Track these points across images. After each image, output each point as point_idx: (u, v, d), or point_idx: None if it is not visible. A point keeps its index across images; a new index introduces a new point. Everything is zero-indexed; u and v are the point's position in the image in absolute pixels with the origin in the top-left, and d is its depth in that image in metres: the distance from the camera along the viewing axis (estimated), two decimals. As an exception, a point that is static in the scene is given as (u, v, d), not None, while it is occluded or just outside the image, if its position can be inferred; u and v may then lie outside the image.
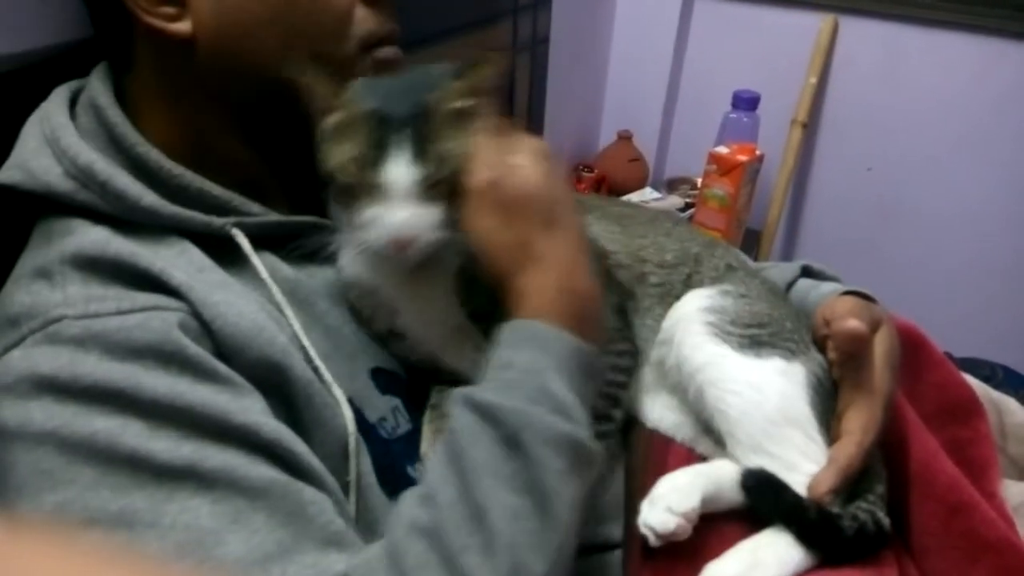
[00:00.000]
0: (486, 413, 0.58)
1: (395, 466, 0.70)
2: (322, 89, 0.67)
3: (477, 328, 0.71)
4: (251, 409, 0.60)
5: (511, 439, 0.57)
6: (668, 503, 0.65)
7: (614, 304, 0.75)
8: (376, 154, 0.64)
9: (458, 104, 0.66)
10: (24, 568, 0.24)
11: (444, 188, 0.64)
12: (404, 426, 0.71)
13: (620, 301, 0.75)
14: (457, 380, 0.73)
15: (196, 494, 0.56)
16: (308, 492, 0.59)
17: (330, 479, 0.63)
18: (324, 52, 0.69)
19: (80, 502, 0.55)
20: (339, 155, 0.65)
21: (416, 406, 0.73)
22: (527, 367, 0.60)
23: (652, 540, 0.65)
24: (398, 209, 0.64)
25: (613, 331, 0.72)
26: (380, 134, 0.64)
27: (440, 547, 0.55)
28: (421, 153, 0.64)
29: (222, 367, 0.61)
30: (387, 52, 0.74)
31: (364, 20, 0.71)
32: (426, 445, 0.71)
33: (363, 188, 0.65)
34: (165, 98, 0.71)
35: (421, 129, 0.64)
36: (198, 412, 0.58)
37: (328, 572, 0.56)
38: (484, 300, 0.69)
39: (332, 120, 0.67)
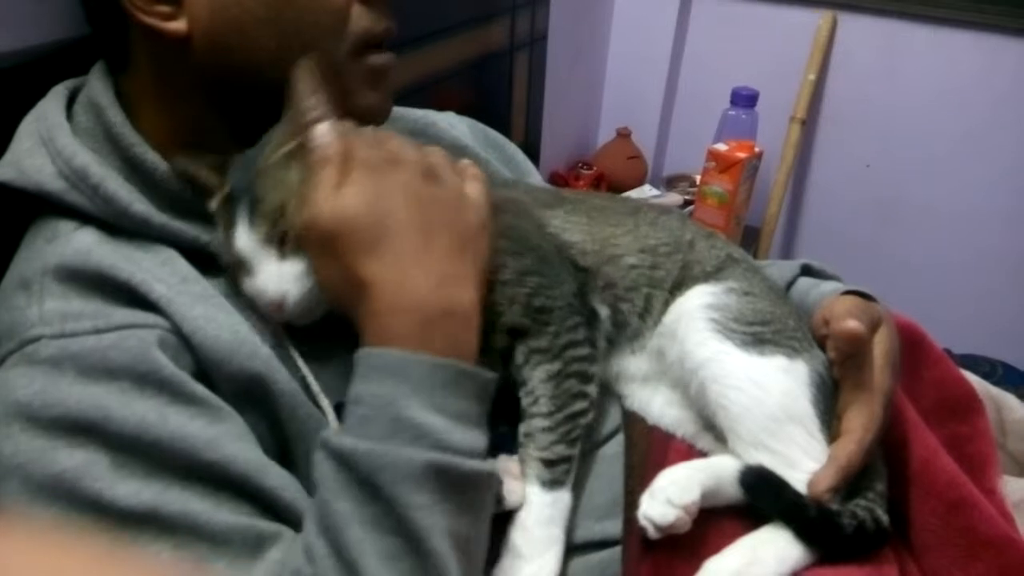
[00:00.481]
0: (340, 459, 0.57)
1: None
2: (206, 177, 0.67)
3: None
4: (225, 436, 0.60)
5: (367, 482, 0.56)
6: (668, 495, 0.65)
7: (572, 290, 0.73)
8: (230, 232, 0.65)
9: (281, 151, 0.65)
10: (19, 568, 0.24)
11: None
12: None
13: (579, 284, 0.74)
14: None
15: (158, 539, 0.56)
16: (271, 535, 0.59)
17: (304, 506, 0.61)
18: (319, 52, 0.68)
19: None
20: (218, 242, 0.67)
21: None
22: (379, 399, 0.58)
23: (652, 532, 0.65)
24: (255, 275, 0.64)
25: (565, 310, 0.71)
26: (231, 212, 0.65)
27: None
28: (253, 214, 0.64)
29: (200, 388, 0.61)
30: (380, 59, 0.73)
31: (360, 17, 0.70)
32: None
33: (236, 267, 0.65)
34: (162, 97, 0.71)
35: (255, 193, 0.64)
36: (166, 447, 0.58)
37: None
38: None
39: (212, 208, 0.67)
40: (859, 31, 2.03)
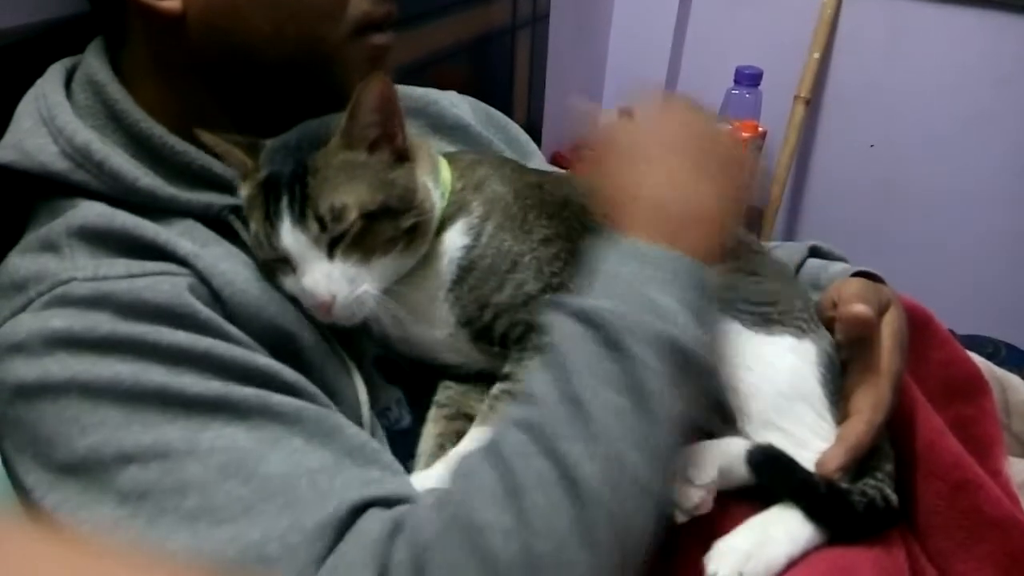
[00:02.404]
0: (588, 318, 0.58)
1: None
2: (236, 158, 0.66)
3: (467, 332, 0.70)
4: (268, 359, 0.61)
5: (611, 340, 0.57)
6: (689, 476, 0.64)
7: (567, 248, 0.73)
8: (267, 223, 0.64)
9: (341, 157, 0.64)
10: (26, 569, 0.23)
11: (361, 240, 0.63)
12: (405, 419, 0.71)
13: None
14: (461, 375, 0.73)
15: (230, 423, 0.56)
16: (342, 418, 0.60)
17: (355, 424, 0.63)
18: (316, 35, 0.67)
19: (113, 442, 0.55)
20: (252, 233, 0.66)
21: (417, 400, 0.72)
22: (629, 278, 0.61)
23: (679, 517, 0.64)
24: (303, 274, 0.63)
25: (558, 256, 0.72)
26: (267, 201, 0.64)
27: (541, 437, 0.54)
28: (303, 212, 0.63)
29: (234, 330, 0.61)
30: (380, 39, 0.72)
31: (360, 1, 0.70)
32: (424, 445, 0.69)
33: (276, 262, 0.65)
34: (158, 75, 0.70)
35: (305, 190, 0.63)
36: (219, 355, 0.58)
37: (378, 487, 0.56)
38: (475, 308, 0.69)
39: (244, 194, 0.67)
40: (864, 9, 2.01)
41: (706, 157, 0.68)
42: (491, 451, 0.56)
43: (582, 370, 0.56)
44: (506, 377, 0.68)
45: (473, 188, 0.72)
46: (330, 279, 0.63)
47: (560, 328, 0.59)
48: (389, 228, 0.64)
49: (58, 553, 0.25)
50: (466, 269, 0.69)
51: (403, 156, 0.68)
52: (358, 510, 0.54)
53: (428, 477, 0.63)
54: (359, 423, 0.66)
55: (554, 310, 0.61)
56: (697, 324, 0.60)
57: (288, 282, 0.65)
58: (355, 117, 0.64)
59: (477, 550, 0.51)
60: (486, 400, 0.67)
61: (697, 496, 0.64)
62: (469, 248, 0.69)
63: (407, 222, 0.65)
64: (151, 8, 0.66)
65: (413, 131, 0.78)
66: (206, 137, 0.67)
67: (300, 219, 0.63)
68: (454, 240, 0.69)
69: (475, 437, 0.65)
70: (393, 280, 0.66)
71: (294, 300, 0.66)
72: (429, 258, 0.69)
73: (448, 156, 0.76)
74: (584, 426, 0.54)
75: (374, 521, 0.54)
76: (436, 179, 0.70)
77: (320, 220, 0.62)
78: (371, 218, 0.63)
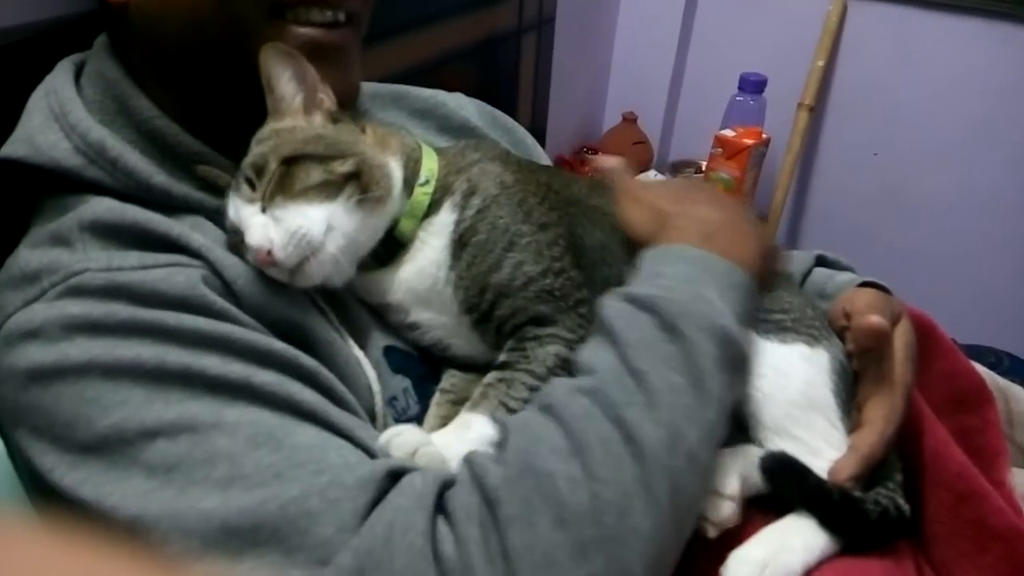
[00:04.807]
0: (643, 303, 0.61)
1: None
2: (224, 179, 0.69)
3: (471, 319, 0.71)
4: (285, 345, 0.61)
5: (668, 325, 0.59)
6: (716, 487, 0.64)
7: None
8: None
9: (271, 126, 0.68)
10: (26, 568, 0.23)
11: (289, 184, 0.64)
12: (413, 408, 0.71)
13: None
14: (469, 364, 0.73)
15: (251, 407, 0.56)
16: (355, 419, 0.61)
17: (366, 419, 0.64)
18: (232, 13, 0.66)
19: (135, 419, 0.55)
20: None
21: (425, 389, 0.72)
22: (678, 276, 0.63)
23: (710, 532, 0.63)
24: (245, 233, 0.64)
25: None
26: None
27: (604, 402, 0.56)
28: (238, 183, 0.65)
29: (250, 319, 0.61)
30: (310, 32, 0.69)
31: None
32: (428, 428, 0.69)
33: (241, 244, 0.65)
34: (137, 68, 0.70)
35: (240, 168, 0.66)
36: (237, 339, 0.58)
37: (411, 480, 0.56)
38: (476, 291, 0.69)
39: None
40: (869, 17, 2.01)
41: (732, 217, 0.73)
42: (550, 413, 0.56)
43: (640, 346, 0.59)
44: (501, 366, 0.68)
45: (457, 171, 0.73)
46: (265, 227, 0.63)
47: (614, 309, 0.62)
48: (317, 171, 0.64)
49: (63, 553, 0.25)
50: (460, 244, 0.69)
51: (337, 120, 0.70)
52: (396, 474, 0.55)
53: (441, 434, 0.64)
54: (371, 413, 0.66)
55: (610, 298, 0.63)
56: (741, 326, 0.63)
57: (245, 250, 0.64)
58: (271, 90, 0.67)
59: (547, 495, 0.52)
60: (480, 387, 0.67)
61: (728, 508, 0.64)
62: (457, 223, 0.70)
63: (343, 167, 0.65)
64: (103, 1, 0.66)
65: (390, 124, 0.81)
66: (203, 171, 0.68)
67: (236, 190, 0.65)
68: (444, 219, 0.70)
69: (463, 422, 0.64)
70: (359, 239, 0.66)
71: (304, 293, 0.66)
72: (426, 242, 0.70)
73: (440, 149, 0.77)
74: (645, 395, 0.56)
75: (417, 478, 0.54)
76: (404, 162, 0.71)
77: (248, 181, 0.64)
78: (291, 162, 0.64)
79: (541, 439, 0.55)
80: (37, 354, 0.57)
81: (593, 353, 0.61)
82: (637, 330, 0.60)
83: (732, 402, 0.62)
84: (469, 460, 0.56)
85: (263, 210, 0.63)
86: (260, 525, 0.51)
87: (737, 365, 0.62)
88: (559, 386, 0.60)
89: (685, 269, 0.64)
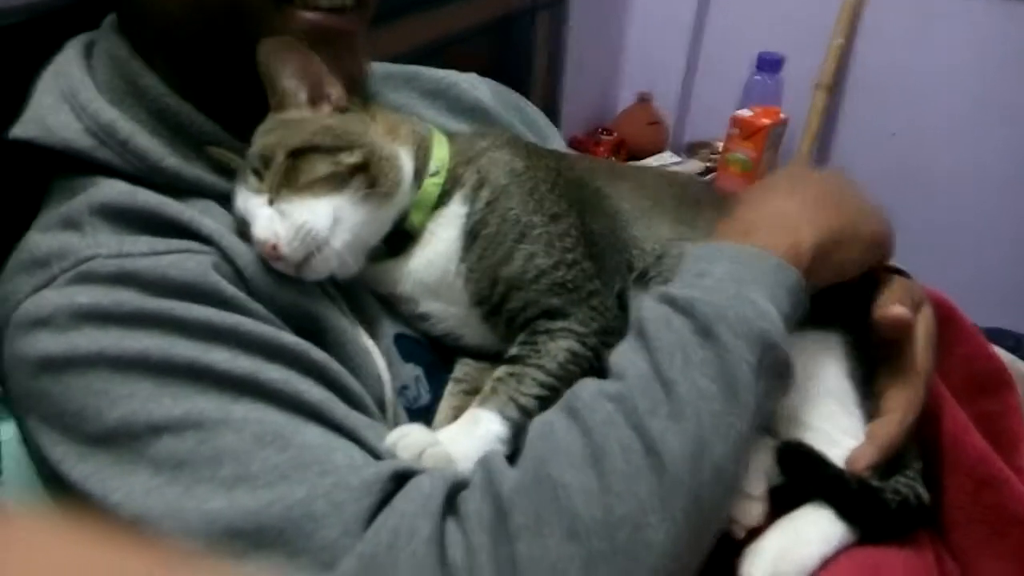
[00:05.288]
0: (680, 305, 0.59)
1: None
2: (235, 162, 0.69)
3: (481, 311, 0.70)
4: (293, 336, 0.61)
5: (704, 329, 0.57)
6: (744, 489, 0.63)
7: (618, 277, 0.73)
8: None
9: (277, 117, 0.67)
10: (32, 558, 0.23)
11: (295, 177, 0.63)
12: (425, 397, 0.70)
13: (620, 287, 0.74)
14: (482, 354, 0.72)
15: (258, 403, 0.56)
16: (363, 418, 0.60)
17: (376, 411, 0.63)
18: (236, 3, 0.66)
19: (143, 413, 0.55)
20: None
21: (437, 377, 0.72)
22: (723, 276, 0.61)
23: (738, 532, 0.63)
24: (252, 226, 0.64)
25: (606, 295, 0.71)
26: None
27: (628, 410, 0.55)
28: (246, 175, 0.65)
29: (260, 308, 0.61)
30: (328, 20, 0.68)
31: None
32: (440, 418, 0.69)
33: (247, 235, 0.65)
34: (145, 48, 0.69)
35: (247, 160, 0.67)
36: (246, 331, 0.58)
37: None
38: (487, 283, 0.68)
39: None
40: (889, -5, 1.97)
41: (840, 195, 0.73)
42: (574, 417, 0.56)
43: (674, 352, 0.57)
44: (512, 360, 0.67)
45: (466, 161, 0.72)
46: (271, 220, 0.63)
47: (651, 311, 0.60)
48: (324, 163, 0.64)
49: (67, 540, 0.24)
50: (471, 236, 0.69)
51: (346, 109, 0.69)
52: (402, 476, 0.54)
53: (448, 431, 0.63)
54: (381, 402, 0.65)
55: (646, 296, 0.61)
56: (786, 327, 0.60)
57: (254, 248, 0.64)
58: (272, 87, 0.66)
59: (559, 507, 0.51)
60: (489, 382, 0.67)
61: (757, 510, 0.63)
62: (468, 215, 0.69)
63: (350, 158, 0.65)
64: None
65: (402, 106, 0.81)
66: (216, 152, 0.68)
67: (243, 180, 0.64)
68: (454, 211, 0.70)
69: (472, 418, 0.64)
70: (366, 232, 0.66)
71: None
72: (436, 233, 0.70)
73: (452, 136, 0.76)
74: (672, 405, 0.54)
75: (423, 482, 0.54)
76: (414, 152, 0.70)
77: (255, 171, 0.63)
78: (298, 155, 0.64)
79: (560, 446, 0.54)
80: (47, 343, 0.57)
81: (624, 356, 0.59)
82: (672, 333, 0.58)
83: (770, 410, 0.61)
84: (485, 463, 0.56)
85: (270, 202, 0.63)
86: (265, 527, 0.51)
87: (779, 371, 0.60)
88: (586, 388, 0.58)
89: (731, 268, 0.62)
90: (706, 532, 0.56)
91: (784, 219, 0.67)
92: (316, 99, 0.68)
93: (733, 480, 0.57)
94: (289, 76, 0.66)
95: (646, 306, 0.61)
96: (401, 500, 0.53)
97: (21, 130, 0.66)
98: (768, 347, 0.58)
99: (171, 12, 0.67)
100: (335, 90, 0.68)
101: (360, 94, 0.75)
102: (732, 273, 0.61)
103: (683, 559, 0.54)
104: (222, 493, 0.53)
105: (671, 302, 0.60)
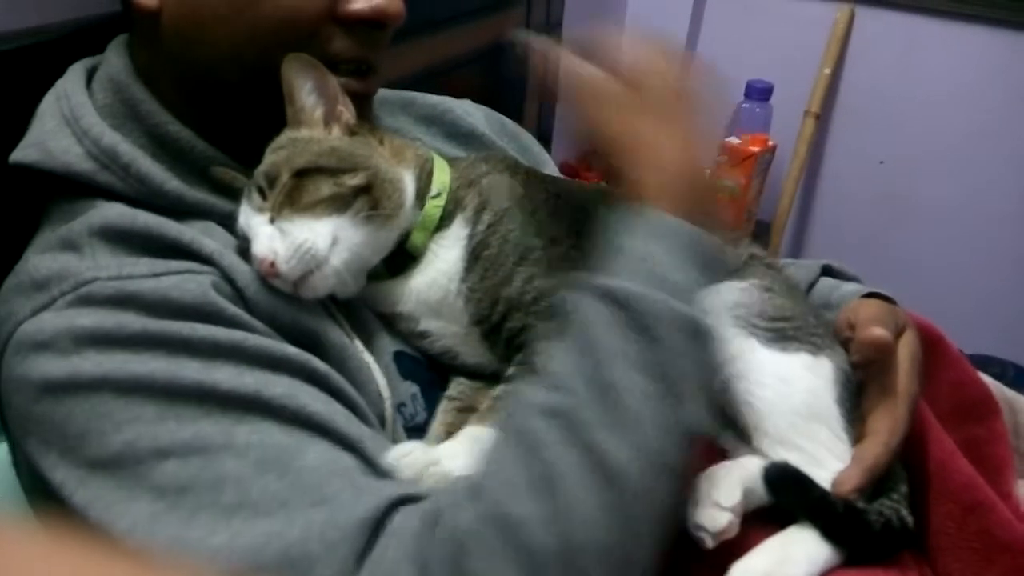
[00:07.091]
0: (612, 297, 0.58)
1: None
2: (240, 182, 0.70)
3: (479, 331, 0.71)
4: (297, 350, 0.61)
5: (639, 324, 0.56)
6: (715, 499, 0.63)
7: None
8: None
9: (287, 136, 0.68)
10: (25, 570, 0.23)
11: (298, 197, 0.64)
12: (421, 414, 0.71)
13: None
14: (477, 373, 0.73)
15: (265, 420, 0.56)
16: (365, 429, 0.60)
17: (376, 424, 0.64)
18: (276, 64, 0.67)
19: (148, 437, 0.55)
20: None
21: (433, 395, 0.72)
22: (641, 253, 0.60)
23: (708, 542, 0.62)
24: (252, 243, 0.64)
25: None
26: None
27: (572, 425, 0.54)
28: (249, 192, 0.66)
29: (260, 325, 0.62)
30: (353, 86, 0.71)
31: (333, 39, 0.69)
32: (433, 435, 0.69)
33: (248, 252, 0.65)
34: (153, 72, 0.70)
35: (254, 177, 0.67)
36: (250, 346, 0.58)
37: (409, 485, 0.57)
38: (487, 303, 0.69)
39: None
40: (876, 25, 2.01)
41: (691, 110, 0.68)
42: (520, 440, 0.55)
43: (613, 354, 0.56)
44: (510, 379, 0.68)
45: (468, 184, 0.73)
46: (271, 238, 0.63)
47: (585, 308, 0.58)
48: (327, 184, 0.65)
49: (61, 553, 0.25)
50: (473, 257, 0.70)
51: (355, 132, 0.70)
52: (392, 506, 0.55)
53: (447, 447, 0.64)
54: (381, 418, 0.66)
55: (578, 290, 0.60)
56: (700, 295, 0.60)
57: (253, 265, 0.64)
58: (291, 101, 0.67)
59: (514, 544, 0.51)
60: (486, 400, 0.68)
61: (726, 519, 0.63)
62: (470, 236, 0.70)
63: (353, 180, 0.66)
64: (132, 2, 0.67)
65: (398, 130, 0.82)
66: (218, 172, 0.69)
67: (248, 197, 0.65)
68: (456, 232, 0.71)
69: (473, 436, 0.64)
70: (365, 253, 0.67)
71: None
72: (437, 254, 0.71)
73: (452, 160, 0.77)
74: (615, 413, 0.54)
75: (409, 517, 0.54)
76: (417, 175, 0.72)
77: (260, 189, 0.64)
78: (303, 175, 0.64)
79: (511, 479, 0.54)
80: (49, 366, 0.57)
81: (562, 361, 0.57)
82: (609, 333, 0.57)
83: (713, 392, 0.61)
84: (443, 505, 0.55)
85: (271, 221, 0.64)
86: (264, 565, 0.52)
87: (707, 345, 0.59)
88: (528, 407, 0.57)
89: (646, 243, 0.60)
90: (664, 529, 0.56)
91: (694, 175, 0.65)
92: (330, 119, 0.69)
93: (686, 471, 0.58)
94: (309, 92, 0.68)
95: (577, 299, 0.59)
96: (388, 541, 0.53)
97: (22, 155, 0.66)
98: (695, 328, 0.58)
99: (198, 54, 0.68)
100: (347, 111, 0.70)
101: (370, 119, 0.76)
102: (647, 248, 0.60)
103: (640, 555, 0.54)
104: (222, 522, 0.53)
105: (604, 294, 0.58)
